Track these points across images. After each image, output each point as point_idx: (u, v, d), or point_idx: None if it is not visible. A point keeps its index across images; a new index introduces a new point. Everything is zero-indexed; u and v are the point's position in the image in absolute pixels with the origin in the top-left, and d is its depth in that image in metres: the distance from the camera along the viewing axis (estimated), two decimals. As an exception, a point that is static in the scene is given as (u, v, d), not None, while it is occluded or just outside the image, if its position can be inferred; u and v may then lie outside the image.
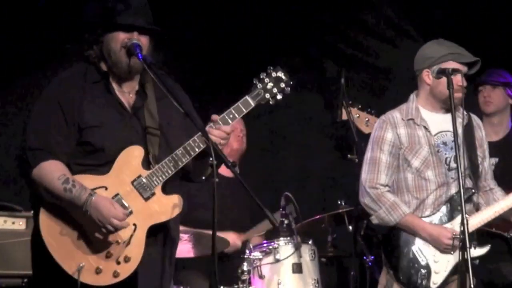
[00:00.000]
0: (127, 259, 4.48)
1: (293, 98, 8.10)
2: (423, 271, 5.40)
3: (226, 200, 6.26)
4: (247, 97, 4.72)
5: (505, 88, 6.58)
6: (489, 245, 5.46)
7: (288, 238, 6.27)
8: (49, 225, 4.45)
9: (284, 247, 6.22)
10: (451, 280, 5.42)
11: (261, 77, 4.76)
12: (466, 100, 5.45)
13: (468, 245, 4.93)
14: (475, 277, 5.11)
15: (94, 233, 4.46)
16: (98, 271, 4.44)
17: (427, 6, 8.06)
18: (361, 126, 6.38)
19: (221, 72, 7.80)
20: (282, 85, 4.79)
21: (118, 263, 4.47)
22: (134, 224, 4.50)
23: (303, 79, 8.24)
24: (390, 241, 5.53)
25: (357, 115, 6.40)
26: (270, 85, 4.76)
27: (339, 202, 6.82)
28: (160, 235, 4.65)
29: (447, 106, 5.42)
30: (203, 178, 4.80)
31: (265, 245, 6.29)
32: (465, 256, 4.93)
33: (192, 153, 4.60)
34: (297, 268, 6.18)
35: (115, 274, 4.46)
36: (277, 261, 6.18)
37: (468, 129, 5.57)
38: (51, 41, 7.11)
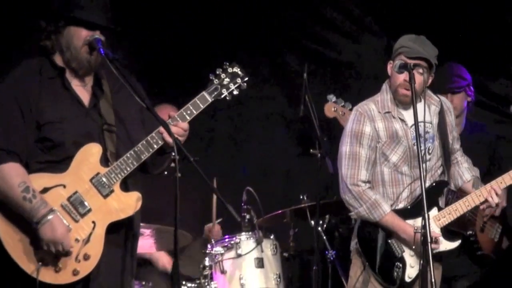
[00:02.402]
0: (86, 257, 4.46)
1: (256, 93, 8.18)
2: (398, 264, 5.43)
3: (185, 194, 6.25)
4: (204, 93, 4.75)
5: (465, 89, 6.61)
6: (460, 240, 5.49)
7: (250, 233, 6.27)
8: (7, 224, 4.41)
9: (246, 242, 6.22)
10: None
11: (217, 72, 4.79)
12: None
13: (429, 240, 4.95)
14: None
15: None
16: (57, 269, 4.42)
17: (389, 1, 8.08)
18: (341, 120, 6.32)
19: (180, 67, 7.77)
20: (239, 80, 4.82)
21: (78, 261, 4.45)
22: (93, 222, 4.49)
23: (266, 74, 8.25)
24: (367, 233, 5.54)
25: (334, 108, 6.35)
26: (226, 80, 4.79)
27: (301, 197, 6.82)
28: (121, 232, 4.63)
29: (398, 101, 5.51)
30: (162, 171, 4.80)
31: (226, 240, 6.28)
32: (427, 250, 4.96)
33: (151, 150, 4.60)
34: (259, 263, 6.18)
35: (75, 272, 4.44)
36: (239, 256, 6.18)
37: (441, 116, 5.60)
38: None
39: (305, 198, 6.79)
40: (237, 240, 6.22)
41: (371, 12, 8.19)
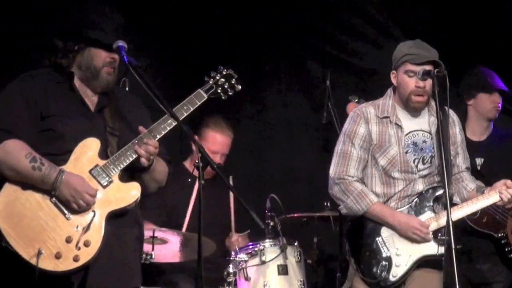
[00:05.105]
0: (87, 244, 4.52)
1: (279, 100, 8.19)
2: (384, 263, 5.43)
3: (208, 202, 6.27)
4: (199, 90, 4.92)
5: (499, 91, 6.57)
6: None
7: (274, 240, 6.27)
8: (6, 215, 4.46)
9: (270, 249, 6.21)
10: (413, 275, 5.42)
11: (212, 74, 4.98)
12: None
13: (453, 246, 4.95)
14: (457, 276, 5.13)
15: (55, 217, 4.50)
16: (58, 256, 4.46)
17: (412, 7, 8.07)
18: None
19: (201, 73, 7.77)
20: (233, 81, 5.00)
21: (78, 248, 4.50)
22: (93, 211, 4.57)
23: (289, 81, 8.26)
24: (355, 231, 5.56)
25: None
26: (221, 80, 4.98)
27: (325, 204, 6.82)
28: (121, 221, 4.69)
29: (411, 109, 5.54)
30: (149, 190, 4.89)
31: (250, 247, 6.28)
32: (450, 254, 4.95)
33: None
34: (283, 270, 6.17)
35: (76, 258, 4.49)
36: (263, 263, 6.17)
37: (442, 127, 5.59)
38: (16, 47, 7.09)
39: (329, 205, 6.79)
40: (261, 247, 6.21)
41: (394, 19, 8.18)
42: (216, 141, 6.75)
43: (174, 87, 7.17)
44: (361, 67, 8.25)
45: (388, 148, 5.50)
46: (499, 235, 6.28)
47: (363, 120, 5.55)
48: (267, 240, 6.26)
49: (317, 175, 7.96)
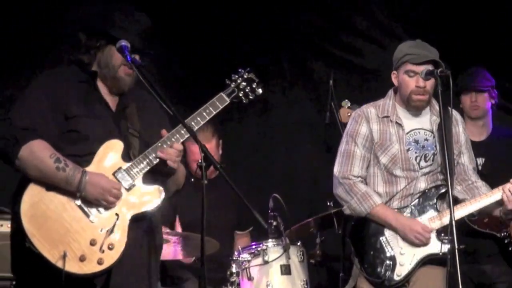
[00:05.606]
0: (111, 247, 4.50)
1: (282, 100, 8.19)
2: (388, 262, 5.43)
3: (211, 202, 6.27)
4: (222, 94, 4.86)
5: (489, 91, 6.62)
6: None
7: (277, 239, 6.27)
8: (31, 216, 4.44)
9: (273, 249, 6.21)
10: (417, 273, 5.42)
11: (233, 78, 4.90)
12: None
13: (456, 246, 4.95)
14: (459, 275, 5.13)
15: (79, 219, 4.48)
16: (82, 258, 4.45)
17: (414, 7, 8.07)
18: None
19: (206, 73, 7.79)
20: (254, 85, 4.93)
21: (102, 251, 4.49)
22: (117, 214, 4.55)
23: (292, 81, 8.25)
24: (358, 231, 5.56)
25: (348, 113, 6.41)
26: (243, 84, 4.91)
27: (328, 204, 6.82)
28: (143, 225, 4.68)
29: (412, 108, 5.55)
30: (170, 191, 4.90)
31: (253, 247, 6.28)
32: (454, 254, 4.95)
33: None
34: (286, 270, 6.17)
35: (100, 261, 4.47)
36: (266, 262, 6.17)
37: (445, 126, 5.58)
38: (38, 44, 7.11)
39: (332, 205, 6.78)
40: (264, 247, 6.21)
41: (397, 18, 8.18)
42: (195, 152, 6.60)
43: (176, 87, 7.19)
44: (364, 67, 8.25)
45: (389, 146, 5.52)
46: (502, 234, 6.28)
47: (365, 120, 5.58)
48: (270, 240, 6.27)
49: (320, 175, 7.98)
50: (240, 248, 6.27)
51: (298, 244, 6.32)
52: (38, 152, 4.47)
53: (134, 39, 4.67)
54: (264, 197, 6.49)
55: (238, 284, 6.16)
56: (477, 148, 5.92)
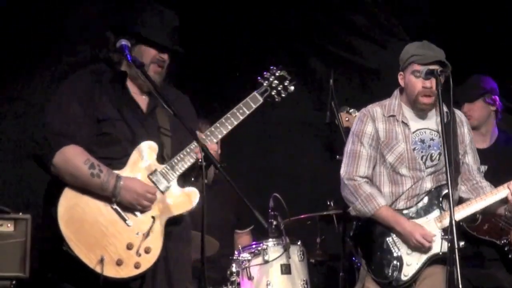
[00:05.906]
0: (147, 250, 4.49)
1: (283, 99, 8.17)
2: (395, 262, 5.43)
3: (211, 201, 6.27)
4: (255, 93, 4.86)
5: (483, 98, 6.55)
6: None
7: (277, 239, 6.27)
8: (67, 219, 4.43)
9: (273, 248, 6.22)
10: (424, 273, 5.43)
11: (266, 75, 4.87)
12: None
13: (456, 245, 4.95)
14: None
15: (115, 223, 4.47)
16: (119, 262, 4.43)
17: (416, 7, 8.07)
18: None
19: (209, 73, 7.79)
20: (286, 83, 4.96)
21: (139, 254, 4.47)
22: (152, 217, 4.54)
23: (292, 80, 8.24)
24: (365, 232, 5.56)
25: (347, 118, 6.42)
26: (275, 82, 4.92)
27: (328, 203, 6.82)
28: (178, 228, 4.68)
29: (417, 109, 5.55)
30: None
31: (253, 246, 6.29)
32: (453, 252, 4.94)
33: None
34: (286, 269, 6.18)
35: (137, 265, 4.46)
36: (266, 262, 6.18)
37: (451, 127, 5.59)
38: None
39: (332, 205, 6.79)
40: (264, 247, 6.22)
41: (398, 19, 8.18)
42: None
43: (177, 86, 7.17)
44: (365, 66, 8.25)
45: (396, 145, 5.52)
46: (502, 242, 6.27)
47: (370, 119, 5.58)
48: (270, 240, 6.27)
49: (320, 175, 7.99)
50: (240, 248, 6.27)
51: (298, 243, 6.33)
52: (72, 159, 4.46)
53: (164, 38, 4.66)
54: (265, 197, 6.50)
55: (238, 284, 6.16)
56: (480, 155, 5.91)
